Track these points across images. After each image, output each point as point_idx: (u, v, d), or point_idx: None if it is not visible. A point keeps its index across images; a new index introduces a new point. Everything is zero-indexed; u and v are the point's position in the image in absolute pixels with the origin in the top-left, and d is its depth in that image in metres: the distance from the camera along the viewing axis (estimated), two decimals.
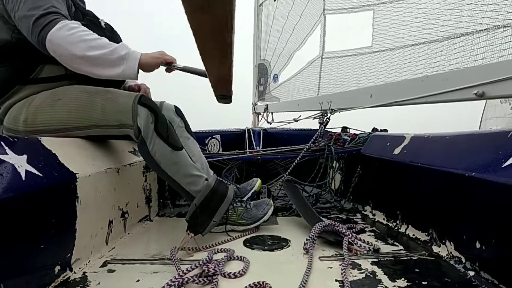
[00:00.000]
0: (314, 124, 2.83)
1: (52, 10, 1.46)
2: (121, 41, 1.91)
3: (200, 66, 1.17)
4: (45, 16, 1.43)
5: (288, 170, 2.31)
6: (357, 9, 3.08)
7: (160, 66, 1.72)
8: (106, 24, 1.84)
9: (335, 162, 2.61)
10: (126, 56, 1.54)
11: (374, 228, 1.84)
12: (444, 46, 2.04)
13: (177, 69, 1.79)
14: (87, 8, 1.82)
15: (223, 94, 1.50)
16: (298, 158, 2.27)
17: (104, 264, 1.37)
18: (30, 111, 1.54)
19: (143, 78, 1.73)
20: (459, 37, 1.92)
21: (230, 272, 1.24)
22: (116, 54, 1.52)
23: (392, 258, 1.40)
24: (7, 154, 1.03)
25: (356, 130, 2.70)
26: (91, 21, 1.74)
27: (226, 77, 1.18)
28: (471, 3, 1.84)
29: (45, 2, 1.47)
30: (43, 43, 1.43)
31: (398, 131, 2.41)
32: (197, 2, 0.59)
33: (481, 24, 1.76)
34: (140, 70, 1.60)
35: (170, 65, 1.75)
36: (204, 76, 1.69)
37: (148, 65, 1.63)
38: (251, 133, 3.73)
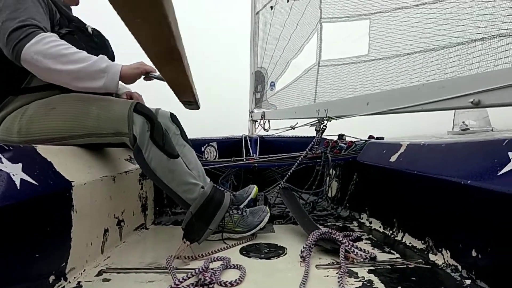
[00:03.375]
0: (311, 132, 2.83)
1: (28, 23, 1.41)
2: (111, 46, 1.90)
3: None
4: (21, 29, 1.39)
5: (285, 178, 2.31)
6: (354, 18, 3.11)
7: (141, 76, 1.71)
8: (94, 29, 1.82)
9: (331, 169, 2.61)
10: (106, 69, 1.52)
11: (370, 236, 1.84)
12: (440, 55, 2.05)
13: (155, 78, 1.79)
14: (74, 15, 1.80)
15: (187, 100, 1.50)
16: (294, 166, 2.27)
17: (100, 273, 1.36)
18: (24, 121, 1.53)
19: (137, 85, 1.73)
20: (455, 46, 1.94)
21: (227, 281, 1.23)
22: (95, 68, 1.49)
23: (389, 266, 1.39)
24: (2, 162, 1.02)
25: (353, 137, 2.70)
26: (77, 27, 1.72)
27: (185, 82, 1.17)
28: (467, 13, 1.86)
29: (23, 14, 1.42)
30: (18, 57, 1.39)
31: (381, 134, 2.42)
32: (127, 7, 0.58)
33: (477, 33, 1.78)
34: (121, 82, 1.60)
35: (148, 74, 1.75)
36: None
37: (128, 76, 1.62)
38: (248, 141, 3.73)
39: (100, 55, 1.55)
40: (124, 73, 1.59)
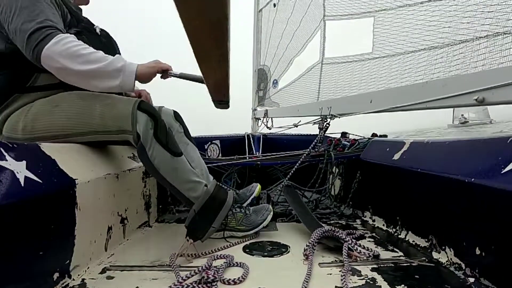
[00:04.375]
0: (314, 130, 2.83)
1: (46, 24, 1.44)
2: (117, 47, 1.92)
3: (197, 71, 1.17)
4: (40, 31, 1.42)
5: (288, 176, 2.31)
6: (358, 15, 3.10)
7: (157, 74, 1.72)
8: (102, 30, 1.85)
9: (334, 167, 2.61)
10: (122, 68, 1.54)
11: (374, 234, 1.83)
12: (445, 53, 2.04)
13: (173, 76, 1.80)
14: (83, 15, 1.83)
15: (221, 99, 1.50)
16: (297, 164, 2.27)
17: (103, 271, 1.37)
18: (29, 119, 1.54)
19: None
20: (459, 43, 1.93)
21: (230, 279, 1.23)
22: (112, 67, 1.52)
23: (392, 265, 1.39)
24: (6, 160, 1.03)
25: (356, 135, 2.70)
26: (86, 28, 1.74)
27: (223, 82, 1.18)
28: (471, 10, 1.85)
29: (40, 15, 1.45)
30: (38, 58, 1.43)
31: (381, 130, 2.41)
32: (191, 7, 0.58)
33: (482, 31, 1.77)
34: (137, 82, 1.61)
35: (166, 72, 1.76)
36: (201, 82, 1.69)
37: (144, 75, 1.64)
38: (251, 138, 3.73)
39: (117, 55, 1.57)
40: (140, 72, 1.60)
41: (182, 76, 1.82)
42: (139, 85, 1.80)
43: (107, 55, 1.54)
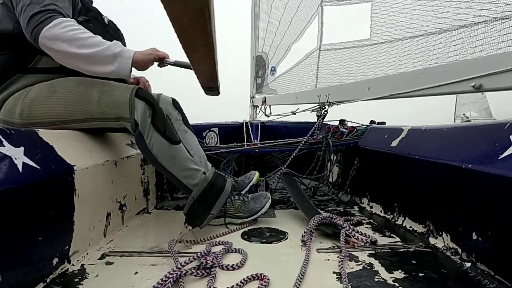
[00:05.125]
0: (312, 117, 2.82)
1: (49, 8, 1.46)
2: (124, 39, 1.92)
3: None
4: (42, 13, 1.43)
5: (286, 163, 2.31)
6: (355, 0, 3.07)
7: (154, 62, 1.72)
8: (110, 21, 1.86)
9: (332, 154, 2.61)
10: (119, 54, 1.54)
11: (371, 220, 1.85)
12: (443, 39, 2.03)
13: (169, 64, 1.80)
14: (93, 5, 1.84)
15: (210, 86, 1.50)
16: (296, 151, 2.27)
17: (102, 257, 1.38)
18: (26, 103, 1.54)
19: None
20: (458, 29, 1.91)
21: (228, 265, 1.24)
22: (109, 52, 1.52)
23: (389, 250, 1.40)
24: (4, 146, 1.03)
25: (354, 122, 2.70)
26: (95, 17, 1.75)
27: (211, 68, 1.18)
28: None
29: None
30: (36, 39, 1.44)
31: (383, 119, 2.42)
32: None
33: (480, 16, 1.75)
34: (133, 68, 1.61)
35: (162, 60, 1.76)
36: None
37: (141, 62, 1.64)
38: (249, 126, 3.73)
39: (114, 41, 1.57)
40: (137, 58, 1.60)
41: (178, 64, 1.82)
42: (137, 73, 1.79)
43: (105, 40, 1.54)
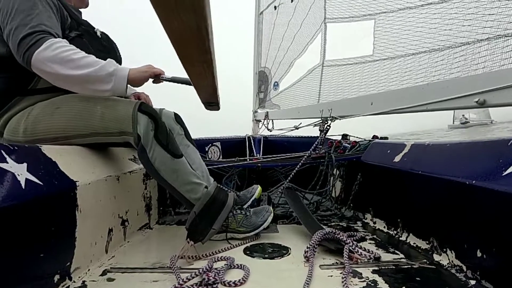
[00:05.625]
0: (315, 132, 2.83)
1: (38, 29, 1.44)
2: (118, 50, 1.93)
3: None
4: (31, 36, 1.42)
5: (289, 178, 2.31)
6: (358, 18, 3.10)
7: (149, 79, 1.72)
8: (102, 33, 1.86)
9: (335, 169, 2.61)
10: (114, 72, 1.53)
11: (374, 236, 1.83)
12: (446, 55, 2.04)
13: (165, 80, 1.80)
14: (83, 18, 1.83)
15: (210, 101, 1.51)
16: (298, 166, 2.27)
17: (104, 273, 1.37)
18: (29, 121, 1.55)
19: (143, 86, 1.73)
20: (460, 46, 1.93)
21: (230, 281, 1.23)
22: (104, 72, 1.51)
23: (393, 267, 1.39)
24: (7, 162, 1.03)
25: (357, 137, 2.70)
26: (86, 31, 1.75)
27: (211, 84, 1.18)
28: (472, 13, 1.85)
29: (34, 20, 1.45)
30: (28, 63, 1.43)
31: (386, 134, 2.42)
32: (168, 8, 0.58)
33: (483, 33, 1.77)
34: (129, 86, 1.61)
35: (158, 77, 1.76)
36: (191, 84, 1.70)
37: (136, 80, 1.63)
38: (252, 141, 3.73)
39: (108, 59, 1.57)
40: (132, 76, 1.60)
41: (174, 80, 1.82)
42: (135, 88, 1.80)
43: (98, 59, 1.53)
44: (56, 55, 1.43)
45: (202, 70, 0.98)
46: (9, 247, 0.96)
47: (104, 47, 1.79)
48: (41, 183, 1.12)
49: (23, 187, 1.03)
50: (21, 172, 1.06)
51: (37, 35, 1.43)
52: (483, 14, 1.77)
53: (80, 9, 1.87)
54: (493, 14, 1.72)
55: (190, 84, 1.76)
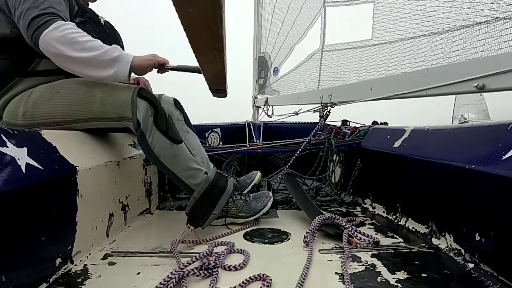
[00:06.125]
0: (314, 118, 2.83)
1: (48, 11, 1.46)
2: (121, 39, 1.92)
3: (195, 62, 1.17)
4: (41, 17, 1.44)
5: (288, 164, 2.31)
6: (358, 1, 3.07)
7: (153, 68, 1.71)
8: (106, 22, 1.87)
9: (335, 155, 2.61)
10: (118, 58, 1.53)
11: (374, 221, 1.84)
12: (444, 39, 2.03)
13: (171, 70, 1.79)
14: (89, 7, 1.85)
15: (218, 88, 1.50)
16: (298, 152, 2.27)
17: (105, 257, 1.38)
18: (29, 105, 1.55)
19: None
20: (459, 29, 1.91)
21: (231, 265, 1.25)
22: (108, 56, 1.51)
23: (392, 251, 1.40)
24: (7, 146, 1.03)
25: (356, 123, 2.70)
26: (91, 18, 1.76)
27: (220, 71, 1.18)
28: None
29: (44, 2, 1.48)
30: (36, 43, 1.44)
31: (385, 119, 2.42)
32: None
33: (482, 16, 1.75)
34: (132, 73, 1.60)
35: (163, 67, 1.75)
36: (198, 72, 1.68)
37: (140, 67, 1.62)
38: (251, 127, 3.73)
39: (114, 45, 1.56)
40: (136, 63, 1.58)
41: (180, 69, 1.81)
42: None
43: (104, 44, 1.53)
44: (63, 36, 1.44)
45: (213, 57, 0.98)
46: (10, 231, 0.96)
47: (107, 34, 1.79)
48: (41, 167, 1.12)
49: (24, 171, 1.04)
50: (21, 156, 1.06)
51: (46, 16, 1.45)
52: None
53: (89, 2, 1.89)
54: None
55: (195, 72, 1.75)
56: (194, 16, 0.66)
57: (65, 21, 1.49)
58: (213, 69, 1.17)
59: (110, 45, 1.57)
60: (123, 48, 1.92)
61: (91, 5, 1.90)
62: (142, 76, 2.06)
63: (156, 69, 1.75)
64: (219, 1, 0.61)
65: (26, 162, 1.06)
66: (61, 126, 1.56)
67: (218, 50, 0.91)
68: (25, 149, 1.10)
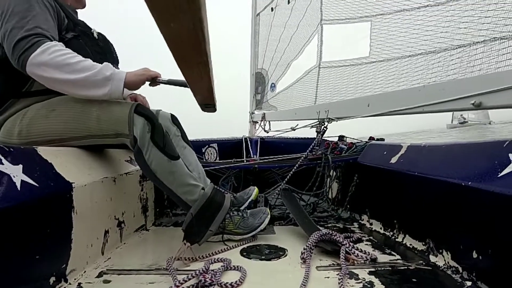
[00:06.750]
0: (311, 133, 2.83)
1: (34, 32, 1.42)
2: (115, 50, 1.92)
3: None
4: (26, 39, 1.39)
5: (286, 179, 2.31)
6: (355, 20, 3.11)
7: (145, 82, 1.70)
8: (99, 34, 1.84)
9: (332, 171, 2.61)
10: (111, 77, 1.51)
11: (371, 237, 1.83)
12: (442, 57, 2.05)
13: (162, 83, 1.79)
14: (79, 18, 1.82)
15: (207, 103, 1.50)
16: (295, 167, 2.27)
17: (100, 275, 1.36)
18: (24, 123, 1.53)
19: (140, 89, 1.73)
20: (456, 48, 1.94)
21: (227, 282, 1.23)
22: (101, 76, 1.49)
23: (390, 268, 1.39)
24: (2, 164, 1.02)
25: (353, 139, 2.70)
26: (83, 32, 1.73)
27: (208, 86, 1.18)
28: (468, 15, 1.86)
29: (30, 22, 1.43)
30: (23, 67, 1.40)
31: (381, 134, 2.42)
32: (165, 12, 0.58)
33: (479, 36, 1.77)
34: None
35: (154, 80, 1.75)
36: (187, 86, 1.69)
37: (133, 84, 1.61)
38: (248, 142, 3.73)
39: (105, 63, 1.55)
40: (129, 80, 1.58)
41: (171, 82, 1.81)
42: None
43: (95, 63, 1.51)
44: (52, 59, 1.41)
45: (198, 72, 0.98)
46: (5, 249, 0.95)
47: (100, 48, 1.78)
48: (37, 184, 1.11)
49: (19, 188, 1.03)
50: (16, 173, 1.05)
51: (32, 38, 1.40)
52: (479, 16, 1.78)
53: (77, 10, 1.86)
54: (489, 17, 1.73)
55: (186, 86, 1.75)
56: (176, 31, 0.66)
57: (52, 41, 1.46)
58: (200, 84, 1.17)
59: (104, 58, 1.56)
60: (117, 60, 1.93)
61: (81, 12, 1.87)
62: (139, 93, 2.06)
63: (148, 83, 1.75)
64: (200, 16, 0.61)
65: (21, 179, 1.06)
66: (57, 144, 1.55)
67: (203, 65, 0.92)
68: (20, 166, 1.09)
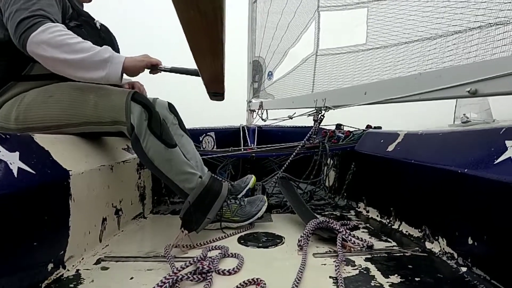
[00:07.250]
0: (309, 121, 2.83)
1: (37, 13, 1.43)
2: (116, 42, 1.90)
3: (192, 64, 1.16)
4: (29, 19, 1.41)
5: (283, 167, 2.32)
6: (351, 6, 3.09)
7: (145, 69, 1.68)
8: (102, 25, 1.83)
9: (329, 159, 2.61)
10: (109, 59, 1.50)
11: (367, 225, 1.85)
12: (438, 44, 2.05)
13: (164, 71, 1.76)
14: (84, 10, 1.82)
15: (216, 91, 1.50)
16: (292, 155, 2.28)
17: (98, 262, 1.37)
18: (21, 109, 1.53)
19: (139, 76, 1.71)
20: (452, 34, 1.93)
21: (225, 269, 1.24)
22: (99, 57, 1.48)
23: (386, 255, 1.40)
24: None
25: (350, 127, 2.70)
26: (86, 22, 1.73)
27: (219, 74, 1.18)
28: (464, 1, 1.84)
29: (35, 5, 1.44)
30: (24, 45, 1.41)
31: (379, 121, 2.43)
32: (187, 1, 0.58)
33: (474, 22, 1.77)
34: (124, 74, 1.58)
35: (155, 67, 1.73)
36: (195, 75, 1.67)
37: (132, 68, 1.59)
38: (246, 130, 3.73)
39: (104, 46, 1.53)
40: (128, 64, 1.55)
41: (174, 70, 1.78)
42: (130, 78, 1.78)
43: (94, 45, 1.51)
44: (52, 38, 1.41)
45: (212, 60, 0.98)
46: (2, 236, 0.96)
47: (102, 39, 1.76)
48: (33, 172, 1.11)
49: (16, 176, 1.03)
50: (13, 161, 1.05)
51: (35, 18, 1.41)
52: (475, 1, 1.77)
53: (83, 3, 1.87)
54: (484, 2, 1.72)
55: (192, 74, 1.74)
56: (195, 18, 0.66)
57: (54, 23, 1.46)
58: (212, 72, 1.17)
59: None
60: (119, 52, 1.91)
61: (86, 6, 1.88)
62: (137, 81, 2.05)
63: (149, 70, 1.73)
64: (220, 4, 0.61)
65: (18, 167, 1.06)
66: (54, 130, 1.54)
67: (218, 53, 0.91)
68: (17, 153, 1.09)
